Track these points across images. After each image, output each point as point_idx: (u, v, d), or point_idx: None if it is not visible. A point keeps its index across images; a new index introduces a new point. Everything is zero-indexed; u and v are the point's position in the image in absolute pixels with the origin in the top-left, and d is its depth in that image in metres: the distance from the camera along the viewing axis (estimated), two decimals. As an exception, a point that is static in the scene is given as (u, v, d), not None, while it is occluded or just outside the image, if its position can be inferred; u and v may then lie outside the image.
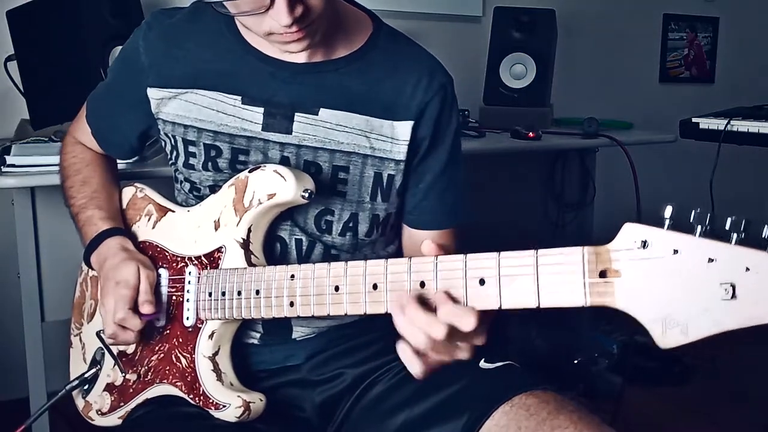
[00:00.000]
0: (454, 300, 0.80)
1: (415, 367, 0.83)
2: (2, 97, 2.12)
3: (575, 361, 2.43)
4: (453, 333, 0.80)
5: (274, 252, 1.08)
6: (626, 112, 2.78)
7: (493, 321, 0.85)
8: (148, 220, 1.16)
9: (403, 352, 0.83)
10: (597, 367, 2.47)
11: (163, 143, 1.16)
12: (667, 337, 0.66)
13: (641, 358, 2.37)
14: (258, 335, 1.11)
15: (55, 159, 1.32)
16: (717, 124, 1.88)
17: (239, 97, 1.08)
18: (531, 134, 2.17)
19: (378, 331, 1.11)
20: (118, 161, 1.32)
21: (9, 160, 1.51)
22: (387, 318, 0.86)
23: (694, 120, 1.95)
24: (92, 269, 1.15)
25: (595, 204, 2.64)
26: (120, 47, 1.26)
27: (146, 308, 1.04)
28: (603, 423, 0.94)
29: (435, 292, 0.82)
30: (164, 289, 1.09)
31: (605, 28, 3.18)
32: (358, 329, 1.14)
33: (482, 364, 1.04)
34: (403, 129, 1.09)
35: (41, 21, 1.86)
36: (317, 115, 1.07)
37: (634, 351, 2.22)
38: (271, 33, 0.96)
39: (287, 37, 0.96)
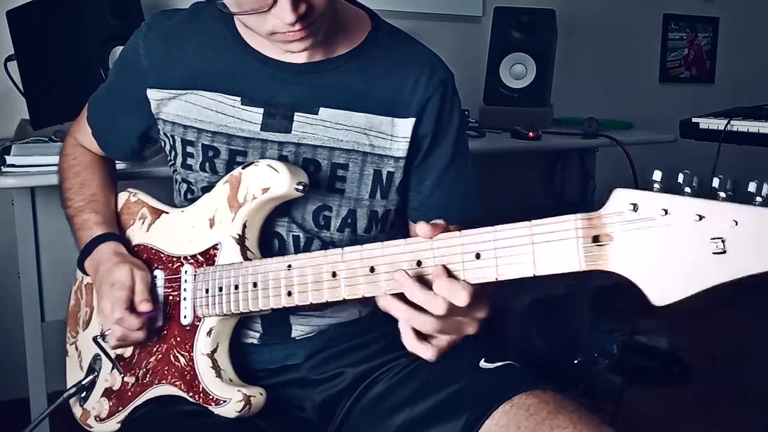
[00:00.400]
0: (450, 274, 0.81)
1: (426, 352, 0.84)
2: (2, 97, 2.11)
3: (575, 361, 2.43)
4: (453, 308, 0.80)
5: (272, 248, 1.08)
6: (626, 112, 2.77)
7: (492, 316, 0.85)
8: (142, 223, 1.16)
9: (409, 339, 0.84)
10: (597, 367, 2.47)
11: (162, 143, 1.16)
12: (661, 295, 0.68)
13: (641, 358, 2.37)
14: (257, 335, 1.11)
15: (55, 159, 1.32)
16: (717, 124, 1.88)
17: (239, 98, 1.08)
18: (531, 134, 2.17)
19: (378, 330, 1.11)
20: (118, 162, 1.32)
21: (9, 160, 1.51)
22: (387, 317, 0.86)
23: (694, 120, 1.94)
24: (86, 274, 1.15)
25: (595, 204, 2.63)
26: (120, 47, 1.26)
27: (144, 306, 1.04)
28: (603, 423, 0.94)
29: (432, 267, 0.82)
30: (160, 290, 1.09)
31: (605, 28, 3.18)
32: (358, 328, 1.14)
33: (482, 364, 1.05)
34: (404, 126, 1.09)
35: (41, 21, 1.85)
36: (317, 114, 1.07)
37: (634, 351, 2.22)
38: (274, 32, 0.96)
39: (290, 36, 0.96)
